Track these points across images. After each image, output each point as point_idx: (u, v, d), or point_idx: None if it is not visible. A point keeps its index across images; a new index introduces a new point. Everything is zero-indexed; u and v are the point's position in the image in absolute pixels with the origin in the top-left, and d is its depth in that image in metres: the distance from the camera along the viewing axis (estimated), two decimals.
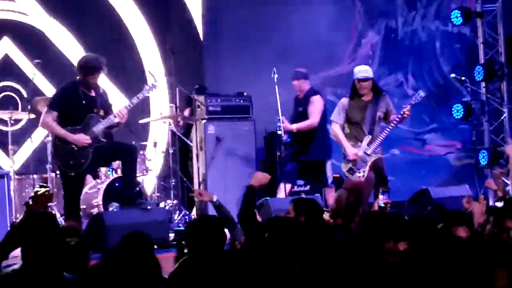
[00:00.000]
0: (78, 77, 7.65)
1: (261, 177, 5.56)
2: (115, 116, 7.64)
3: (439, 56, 11.27)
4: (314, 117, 9.04)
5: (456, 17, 10.48)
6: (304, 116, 9.08)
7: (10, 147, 8.87)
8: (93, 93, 7.65)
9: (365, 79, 8.22)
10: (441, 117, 11.15)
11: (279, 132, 9.20)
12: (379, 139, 8.19)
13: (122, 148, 7.75)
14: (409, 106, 8.18)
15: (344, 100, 8.34)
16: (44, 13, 10.30)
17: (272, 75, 9.09)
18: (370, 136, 8.21)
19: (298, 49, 10.83)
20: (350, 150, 8.15)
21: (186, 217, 9.08)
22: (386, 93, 8.53)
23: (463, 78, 10.50)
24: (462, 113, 10.47)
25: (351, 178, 8.16)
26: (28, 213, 4.35)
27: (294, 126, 9.05)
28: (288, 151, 9.13)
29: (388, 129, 8.23)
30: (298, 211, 5.23)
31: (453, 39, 11.20)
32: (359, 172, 8.15)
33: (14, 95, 9.90)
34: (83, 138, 7.51)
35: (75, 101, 7.55)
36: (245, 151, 9.27)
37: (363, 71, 8.32)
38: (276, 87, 9.04)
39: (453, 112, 10.57)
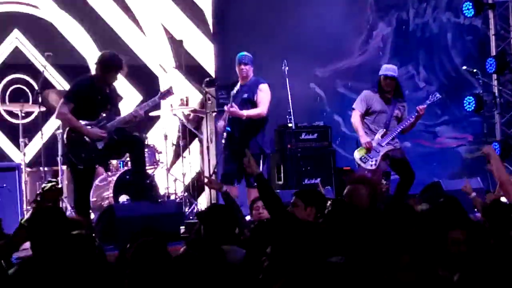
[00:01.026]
0: (95, 73, 7.63)
1: (252, 163, 5.51)
2: (131, 116, 7.64)
3: (450, 48, 11.22)
4: (264, 106, 8.28)
5: (468, 9, 10.43)
6: (249, 103, 8.28)
7: (21, 139, 8.87)
8: (107, 90, 7.65)
9: (392, 77, 8.30)
10: (452, 110, 11.11)
11: (289, 125, 9.19)
12: (393, 133, 8.29)
13: (129, 140, 7.74)
14: (425, 105, 8.29)
15: (368, 92, 8.40)
16: (55, 5, 10.31)
17: (283, 68, 9.06)
18: (385, 130, 8.29)
19: (308, 42, 10.80)
20: (365, 138, 8.25)
21: (195, 209, 9.08)
22: (405, 100, 8.58)
23: (474, 70, 10.45)
24: (474, 105, 10.44)
25: (363, 166, 8.24)
26: (35, 209, 4.38)
27: (245, 113, 8.24)
28: (228, 147, 8.29)
29: (403, 126, 8.32)
30: (307, 202, 5.23)
31: (465, 31, 11.15)
32: (371, 161, 8.25)
33: (25, 87, 9.91)
34: (98, 131, 7.51)
35: (91, 97, 7.53)
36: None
37: (390, 69, 8.41)
38: (287, 79, 9.01)
39: (464, 105, 10.53)
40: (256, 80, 8.36)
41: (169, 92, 7.91)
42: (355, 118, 8.36)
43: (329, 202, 4.83)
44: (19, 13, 10.22)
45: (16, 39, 10.16)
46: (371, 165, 8.24)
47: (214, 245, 4.13)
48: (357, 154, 8.35)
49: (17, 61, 10.07)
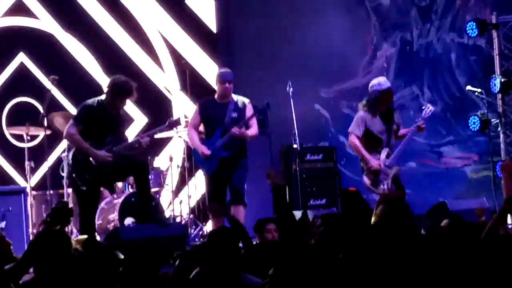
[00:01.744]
0: (105, 96, 7.65)
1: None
2: (137, 143, 7.66)
3: (454, 68, 11.22)
4: (256, 126, 8.09)
5: (472, 29, 10.44)
6: (236, 123, 7.98)
7: (26, 163, 8.90)
8: (116, 114, 7.68)
9: (391, 89, 8.24)
10: (457, 129, 11.09)
11: (294, 146, 9.19)
12: (397, 152, 8.21)
13: (134, 164, 7.75)
14: (423, 121, 8.23)
15: (363, 113, 8.28)
16: (62, 29, 10.40)
17: (288, 89, 9.08)
18: (387, 149, 8.21)
19: (313, 62, 10.83)
20: (373, 162, 8.10)
21: (201, 231, 9.07)
22: (396, 108, 8.55)
23: (479, 90, 10.44)
24: (479, 125, 10.41)
25: (375, 191, 8.13)
26: (43, 230, 4.40)
27: (249, 133, 8.01)
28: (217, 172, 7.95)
29: (404, 142, 8.24)
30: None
31: (469, 51, 11.15)
32: (383, 185, 8.12)
33: (30, 109, 9.94)
34: (105, 155, 7.52)
35: (99, 119, 7.57)
36: (260, 164, 9.24)
37: (386, 81, 8.32)
38: (292, 100, 9.02)
39: (469, 124, 10.52)
40: (239, 98, 8.12)
41: (176, 123, 7.95)
42: (355, 142, 8.20)
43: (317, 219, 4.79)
44: (26, 34, 10.30)
45: (22, 60, 10.24)
46: (383, 189, 8.12)
47: (230, 270, 4.12)
48: (367, 179, 8.19)
49: (22, 83, 10.13)
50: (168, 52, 10.96)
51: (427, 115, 8.34)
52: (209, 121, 8.09)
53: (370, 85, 8.36)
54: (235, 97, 8.11)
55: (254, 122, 8.07)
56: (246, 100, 8.13)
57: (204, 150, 7.93)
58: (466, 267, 3.99)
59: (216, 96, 8.14)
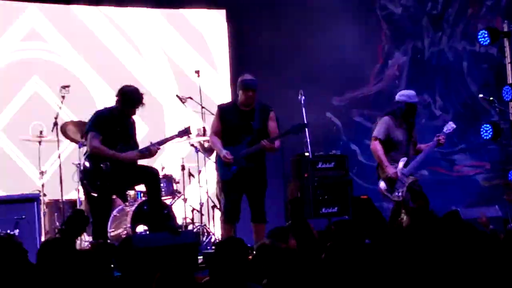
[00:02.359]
0: (115, 105, 7.74)
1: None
2: (147, 150, 7.72)
3: (466, 76, 11.23)
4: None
5: (484, 37, 10.43)
6: (263, 134, 7.79)
7: (39, 170, 8.95)
8: (126, 122, 7.75)
9: (416, 104, 8.38)
10: (469, 138, 11.09)
11: (306, 154, 9.18)
12: (415, 162, 8.29)
13: (144, 172, 7.79)
14: (444, 136, 8.38)
15: (389, 119, 8.35)
16: (74, 50, 10.53)
17: (299, 97, 9.10)
18: (406, 158, 8.29)
19: (324, 70, 10.84)
20: (391, 169, 8.18)
21: (213, 239, 9.08)
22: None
23: (491, 98, 10.43)
24: (491, 133, 10.39)
25: (390, 197, 8.21)
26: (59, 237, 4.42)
27: (276, 145, 7.82)
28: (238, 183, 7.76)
29: (424, 153, 8.34)
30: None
31: (481, 59, 11.15)
32: (398, 192, 8.18)
33: (43, 124, 10.01)
34: (131, 154, 7.61)
35: (110, 128, 7.64)
36: (273, 173, 9.25)
37: (414, 96, 8.44)
38: (303, 108, 9.04)
39: (481, 133, 10.50)
40: (262, 106, 7.90)
41: (186, 132, 7.97)
42: (377, 146, 8.28)
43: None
44: (39, 59, 10.43)
45: (35, 85, 10.38)
46: (398, 197, 8.19)
47: (237, 279, 4.13)
48: (383, 185, 8.28)
49: (36, 106, 10.26)
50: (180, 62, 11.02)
51: (448, 131, 8.50)
52: (231, 129, 7.84)
53: (398, 94, 8.50)
54: (258, 105, 7.88)
55: (275, 132, 7.85)
56: (270, 109, 7.92)
57: (227, 155, 7.72)
58: (479, 276, 4.00)
59: (238, 102, 7.88)
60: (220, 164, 7.90)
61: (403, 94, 8.44)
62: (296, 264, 3.77)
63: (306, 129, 8.87)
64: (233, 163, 7.77)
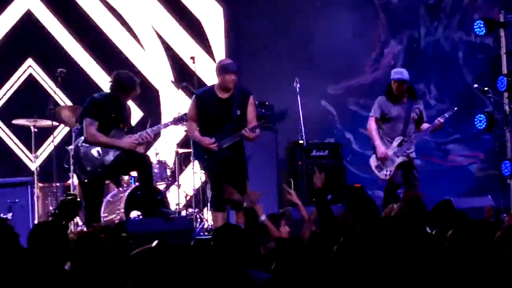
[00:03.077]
0: (109, 91, 7.70)
1: (323, 177, 5.89)
2: (145, 137, 7.69)
3: (462, 66, 11.23)
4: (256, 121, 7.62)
5: (480, 27, 10.43)
6: (242, 121, 7.57)
7: (33, 154, 8.94)
8: (120, 108, 7.73)
9: (400, 80, 8.36)
10: (464, 128, 11.10)
11: (300, 142, 9.19)
12: (410, 143, 8.35)
13: (136, 158, 7.77)
14: (443, 119, 8.47)
15: (382, 98, 8.47)
16: (69, 35, 10.51)
17: (295, 85, 9.10)
18: (402, 137, 8.35)
19: (320, 59, 10.83)
20: (380, 148, 8.29)
21: (206, 225, 9.09)
22: (420, 99, 8.70)
23: (486, 88, 10.44)
24: (485, 123, 10.41)
25: (377, 175, 8.31)
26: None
27: (257, 133, 7.52)
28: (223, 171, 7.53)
29: (420, 135, 8.42)
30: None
31: (476, 49, 11.15)
32: (386, 171, 8.31)
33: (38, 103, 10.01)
34: (130, 140, 7.59)
35: (105, 114, 7.61)
36: (267, 161, 9.27)
37: (398, 72, 8.49)
38: (299, 96, 9.03)
39: (476, 123, 10.51)
40: (242, 91, 7.65)
41: (182, 119, 7.85)
42: (371, 125, 8.42)
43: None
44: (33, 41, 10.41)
45: (30, 67, 10.36)
46: (385, 175, 8.33)
47: (236, 266, 4.12)
48: (373, 162, 8.40)
49: (30, 87, 10.23)
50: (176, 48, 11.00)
51: (449, 114, 8.62)
52: (209, 117, 7.65)
53: None
54: (237, 89, 7.62)
55: (254, 117, 7.63)
56: (249, 93, 7.70)
57: (210, 143, 7.54)
58: (474, 266, 4.00)
59: (216, 88, 7.69)
60: (202, 155, 7.76)
61: (392, 71, 8.58)
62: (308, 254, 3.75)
63: (301, 117, 8.88)
64: (214, 153, 7.57)
